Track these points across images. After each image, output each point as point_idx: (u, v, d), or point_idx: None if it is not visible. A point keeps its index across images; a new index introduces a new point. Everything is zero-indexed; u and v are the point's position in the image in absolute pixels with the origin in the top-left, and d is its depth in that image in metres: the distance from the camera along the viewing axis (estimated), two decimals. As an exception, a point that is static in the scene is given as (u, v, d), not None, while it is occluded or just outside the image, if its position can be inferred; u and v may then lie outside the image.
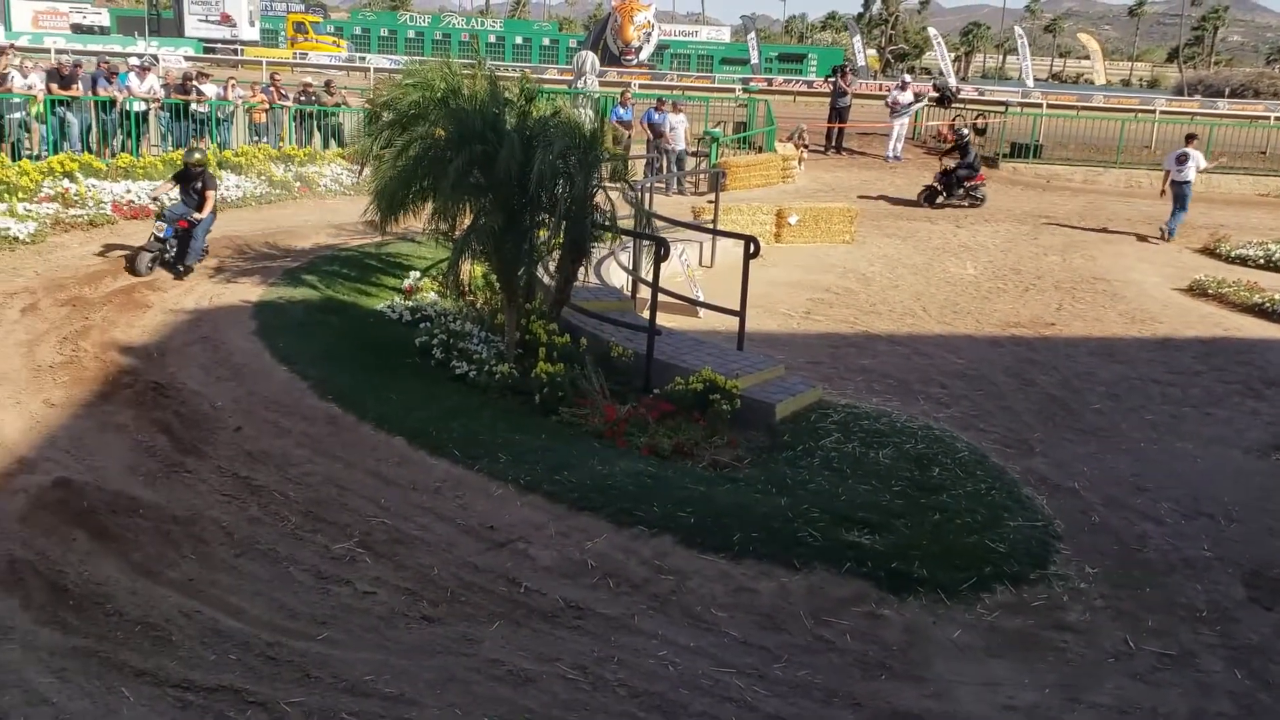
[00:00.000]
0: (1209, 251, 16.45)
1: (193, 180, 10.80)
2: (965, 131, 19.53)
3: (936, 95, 27.76)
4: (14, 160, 12.98)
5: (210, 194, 10.82)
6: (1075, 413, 9.05)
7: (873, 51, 65.68)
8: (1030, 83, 44.52)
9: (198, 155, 11.00)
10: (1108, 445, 8.28)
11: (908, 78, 28.90)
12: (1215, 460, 8.04)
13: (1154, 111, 36.02)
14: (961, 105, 28.57)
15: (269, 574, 5.58)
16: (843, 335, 11.28)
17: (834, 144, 25.13)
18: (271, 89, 18.31)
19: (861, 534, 5.99)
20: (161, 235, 10.43)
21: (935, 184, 19.02)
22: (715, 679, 4.79)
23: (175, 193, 10.89)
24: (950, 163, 19.29)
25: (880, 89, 39.35)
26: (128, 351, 8.28)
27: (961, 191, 18.23)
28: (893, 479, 6.82)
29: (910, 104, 24.85)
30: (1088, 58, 65.86)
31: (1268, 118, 33.61)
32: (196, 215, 10.59)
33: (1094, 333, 11.83)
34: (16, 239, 10.78)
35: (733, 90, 35.24)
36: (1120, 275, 14.71)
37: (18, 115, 14.26)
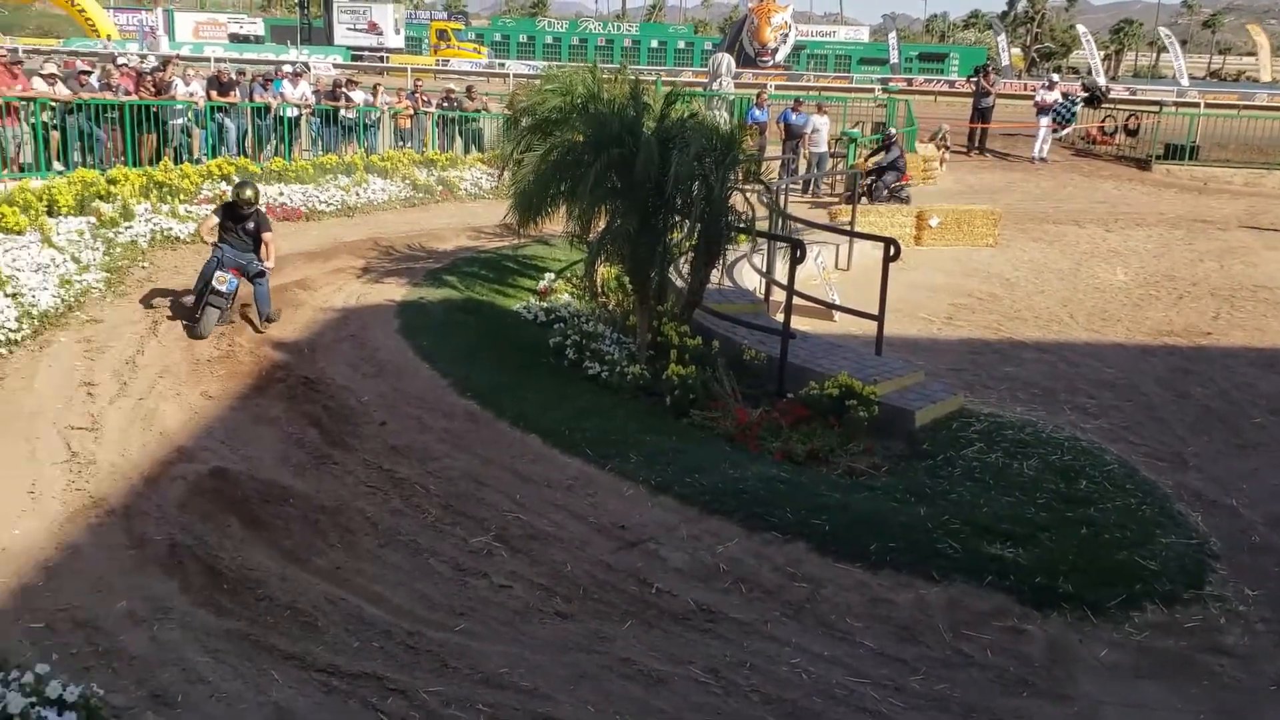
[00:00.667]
0: (1388, 258, 15.40)
1: (243, 220, 8.93)
2: (893, 132, 18.60)
3: (1085, 95, 26.71)
4: (177, 164, 13.69)
5: (269, 238, 8.99)
6: (1233, 426, 8.59)
7: (1017, 50, 63.71)
8: (1185, 81, 42.49)
9: (249, 192, 8.97)
10: (1270, 461, 7.84)
11: (1055, 77, 27.96)
12: (1393, 481, 7.52)
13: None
14: (1111, 105, 27.47)
15: (410, 565, 5.74)
16: (986, 341, 10.98)
17: (976, 145, 24.50)
18: (416, 95, 18.87)
19: (1004, 547, 5.81)
20: (224, 289, 8.61)
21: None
22: (850, 689, 4.71)
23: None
24: (873, 163, 18.19)
25: (1025, 89, 38.18)
26: (280, 347, 8.63)
27: (886, 194, 17.38)
28: (1037, 491, 6.59)
29: (1057, 102, 23.96)
30: (1253, 53, 62.36)
31: None
32: (267, 265, 8.96)
33: (1255, 343, 11.21)
34: (178, 239, 11.35)
35: (871, 90, 34.68)
36: (1285, 282, 13.89)
37: (180, 121, 15.04)
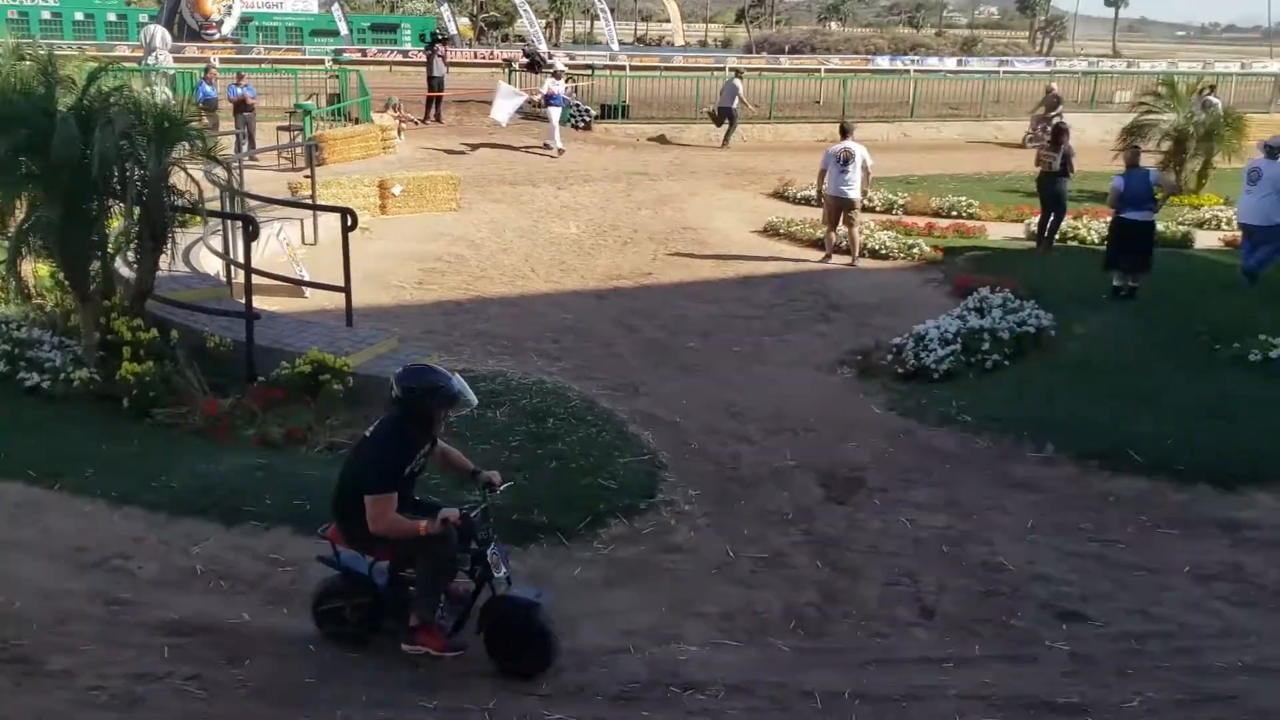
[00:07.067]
0: (779, 195, 17.98)
1: None
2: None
3: (526, 61, 28.23)
4: None
5: None
6: (674, 353, 9.73)
7: (465, 20, 65.65)
8: (615, 46, 46.42)
9: None
10: (703, 378, 8.98)
11: (560, 65, 27.61)
12: (793, 380, 8.98)
13: (725, 69, 38.87)
14: (551, 69, 29.28)
15: None
16: (456, 302, 11.36)
17: (433, 114, 24.96)
18: None
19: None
20: None
21: None
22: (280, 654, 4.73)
23: None
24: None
25: (475, 57, 39.59)
26: None
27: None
28: (510, 435, 6.99)
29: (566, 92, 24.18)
30: (669, 20, 69.90)
31: (818, 70, 37.48)
32: None
33: (687, 278, 12.69)
34: None
35: (323, 62, 34.03)
36: (706, 223, 15.73)
37: None
